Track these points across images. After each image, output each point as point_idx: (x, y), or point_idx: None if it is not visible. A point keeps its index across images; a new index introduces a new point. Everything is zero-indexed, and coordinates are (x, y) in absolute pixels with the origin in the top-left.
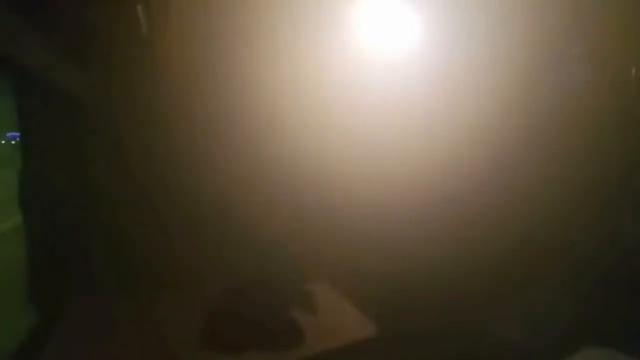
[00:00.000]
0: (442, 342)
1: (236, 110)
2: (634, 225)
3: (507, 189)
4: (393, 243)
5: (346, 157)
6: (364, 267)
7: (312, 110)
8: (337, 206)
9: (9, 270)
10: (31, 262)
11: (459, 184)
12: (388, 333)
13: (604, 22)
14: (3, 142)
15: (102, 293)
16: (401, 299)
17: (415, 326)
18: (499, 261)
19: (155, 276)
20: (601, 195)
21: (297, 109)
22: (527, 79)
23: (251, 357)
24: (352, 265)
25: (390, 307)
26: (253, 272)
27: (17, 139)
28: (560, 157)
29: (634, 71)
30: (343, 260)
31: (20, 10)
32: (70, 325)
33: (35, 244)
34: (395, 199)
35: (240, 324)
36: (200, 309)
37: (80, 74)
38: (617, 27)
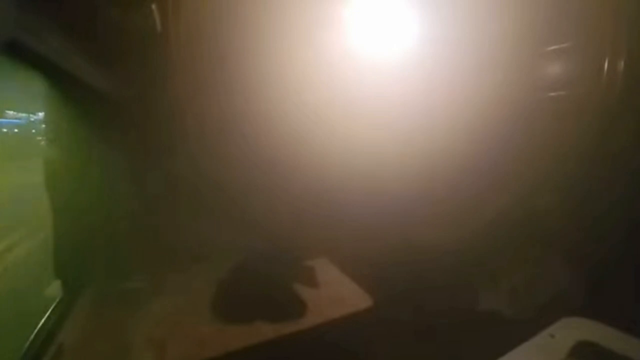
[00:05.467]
0: (436, 313)
1: (245, 106)
2: (611, 211)
3: (495, 181)
4: (389, 225)
5: (345, 146)
6: (362, 245)
7: (316, 104)
8: (337, 190)
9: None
10: (57, 244)
11: (451, 172)
12: (384, 305)
13: (582, 18)
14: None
15: (122, 269)
16: (397, 275)
17: (410, 298)
18: (489, 244)
19: (169, 253)
20: (580, 185)
21: (303, 105)
22: (508, 74)
23: (257, 327)
24: (351, 243)
25: (386, 282)
26: (260, 250)
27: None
28: (542, 150)
29: (607, 65)
30: (342, 237)
31: (48, 11)
32: (91, 297)
33: (60, 227)
34: (391, 185)
35: (247, 296)
36: (210, 283)
37: (102, 69)
38: (594, 23)
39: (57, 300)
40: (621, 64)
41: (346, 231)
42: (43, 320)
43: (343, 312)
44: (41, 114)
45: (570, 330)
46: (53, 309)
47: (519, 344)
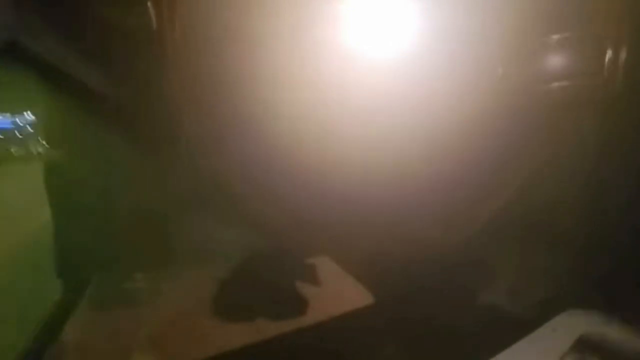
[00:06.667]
0: (435, 309)
1: (243, 104)
2: (612, 204)
3: (496, 177)
4: (389, 222)
5: (346, 144)
6: (362, 241)
7: (315, 103)
8: (337, 188)
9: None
10: (58, 243)
11: (452, 168)
12: (385, 303)
13: (584, 7)
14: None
15: (122, 269)
16: (398, 272)
17: (411, 295)
18: (488, 236)
19: (171, 252)
20: (581, 178)
21: (302, 104)
22: (509, 66)
23: (258, 325)
24: (352, 240)
25: (386, 279)
26: (261, 248)
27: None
28: (543, 144)
29: (611, 54)
30: (343, 235)
31: (45, 12)
32: (92, 296)
33: (61, 227)
34: (391, 182)
35: (248, 295)
36: (211, 281)
37: (99, 69)
38: (597, 12)
39: (58, 299)
40: (623, 54)
41: (347, 229)
42: (44, 319)
43: (344, 309)
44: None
45: (572, 324)
46: (54, 308)
47: (520, 339)
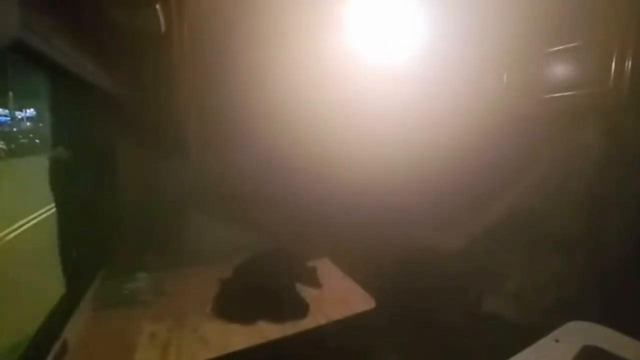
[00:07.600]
0: (438, 316)
1: (249, 108)
2: (616, 213)
3: (500, 184)
4: (392, 226)
5: (349, 148)
6: (366, 246)
7: (320, 107)
8: (339, 191)
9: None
10: (61, 241)
11: (457, 174)
12: (387, 307)
13: (590, 16)
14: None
15: (125, 268)
16: (401, 277)
17: (413, 301)
18: (490, 243)
19: (174, 252)
20: (585, 186)
21: (307, 107)
22: (514, 76)
23: (259, 328)
24: (353, 243)
25: (390, 284)
26: (264, 250)
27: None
28: (548, 152)
29: (616, 63)
30: (345, 238)
31: (52, 12)
32: (95, 295)
33: (65, 226)
34: (395, 187)
35: (250, 297)
36: (213, 283)
37: (106, 70)
38: (600, 20)
39: (61, 297)
40: (629, 62)
41: (350, 232)
42: (47, 317)
43: (346, 313)
44: (46, 114)
45: (575, 335)
46: (57, 306)
47: (522, 349)
